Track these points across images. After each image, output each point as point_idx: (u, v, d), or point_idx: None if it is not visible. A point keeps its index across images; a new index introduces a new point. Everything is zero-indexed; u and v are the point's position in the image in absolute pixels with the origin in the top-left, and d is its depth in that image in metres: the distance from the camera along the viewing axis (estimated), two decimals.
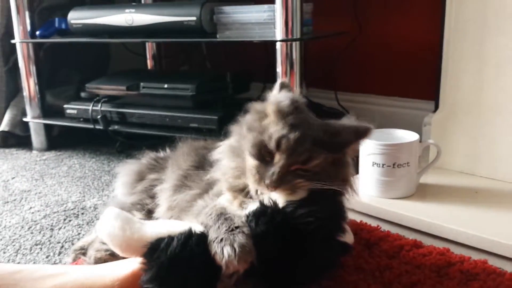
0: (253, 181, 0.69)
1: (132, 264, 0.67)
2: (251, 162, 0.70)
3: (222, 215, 0.65)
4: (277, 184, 0.66)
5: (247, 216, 0.65)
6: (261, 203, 0.66)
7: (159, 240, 0.64)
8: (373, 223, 0.99)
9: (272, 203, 0.66)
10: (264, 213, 0.65)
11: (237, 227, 0.63)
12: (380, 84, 1.63)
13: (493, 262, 0.83)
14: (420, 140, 1.08)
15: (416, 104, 1.54)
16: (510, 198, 1.04)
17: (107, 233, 0.69)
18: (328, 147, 0.68)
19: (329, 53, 1.67)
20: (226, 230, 0.62)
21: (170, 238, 0.64)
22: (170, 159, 1.00)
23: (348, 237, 0.77)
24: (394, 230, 0.96)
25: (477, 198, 1.04)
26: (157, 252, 0.63)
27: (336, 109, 1.60)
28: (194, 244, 0.63)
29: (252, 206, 0.67)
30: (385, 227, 0.97)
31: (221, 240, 0.61)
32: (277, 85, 0.76)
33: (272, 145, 0.67)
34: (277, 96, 0.73)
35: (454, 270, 0.78)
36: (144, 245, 0.65)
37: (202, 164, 0.89)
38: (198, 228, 0.66)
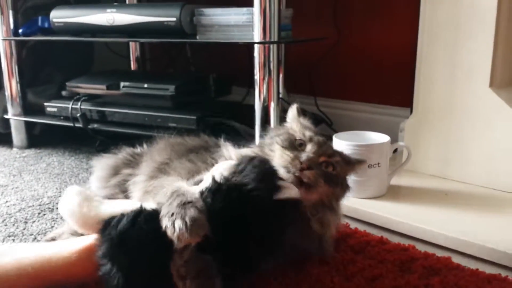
0: (285, 160, 0.76)
1: (89, 239, 0.69)
2: (281, 151, 0.78)
3: (175, 192, 0.67)
4: (310, 162, 0.75)
5: (202, 193, 0.67)
6: (214, 179, 0.68)
7: (111, 218, 0.67)
8: (343, 221, 1.00)
9: (224, 179, 0.68)
10: (219, 189, 0.67)
11: (189, 202, 0.65)
12: (359, 91, 1.65)
13: (457, 259, 0.85)
14: None
15: (394, 110, 1.56)
16: (478, 200, 1.06)
17: (66, 209, 0.74)
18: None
19: (309, 59, 1.70)
20: (177, 204, 0.64)
21: (121, 215, 0.66)
22: (145, 154, 1.02)
23: (290, 192, 0.74)
24: (362, 228, 0.97)
25: (446, 199, 1.07)
26: (108, 229, 0.65)
27: (316, 114, 1.62)
28: (143, 221, 0.65)
29: (205, 183, 0.69)
30: (354, 225, 0.99)
31: (172, 214, 0.63)
32: (294, 109, 0.90)
33: (306, 137, 0.80)
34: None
35: (416, 265, 0.80)
36: (99, 222, 0.68)
37: (176, 158, 0.91)
38: (150, 206, 0.68)
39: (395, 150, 1.16)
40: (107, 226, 0.66)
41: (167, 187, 0.70)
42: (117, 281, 0.63)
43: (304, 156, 0.75)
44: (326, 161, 0.78)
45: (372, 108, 1.62)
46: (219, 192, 0.67)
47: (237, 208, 0.66)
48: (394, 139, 1.15)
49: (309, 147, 0.78)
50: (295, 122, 0.88)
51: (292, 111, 0.91)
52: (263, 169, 0.71)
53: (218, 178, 0.69)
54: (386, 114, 1.59)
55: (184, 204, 0.63)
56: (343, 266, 0.79)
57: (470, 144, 1.13)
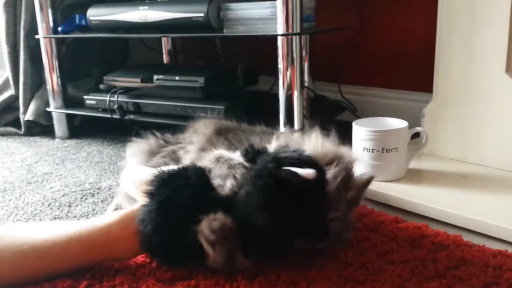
0: None
1: (123, 210, 0.80)
2: None
3: (221, 158, 0.76)
4: None
5: (246, 154, 0.77)
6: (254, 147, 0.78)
7: (156, 176, 0.78)
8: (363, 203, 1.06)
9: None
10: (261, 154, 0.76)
11: (237, 164, 0.73)
12: (382, 77, 1.69)
13: (468, 238, 0.89)
14: None
15: (418, 96, 1.60)
16: (494, 182, 1.10)
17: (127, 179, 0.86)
18: None
19: (334, 48, 1.74)
20: (228, 167, 0.72)
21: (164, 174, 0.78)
22: (186, 133, 1.11)
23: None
24: (379, 209, 1.03)
25: (463, 182, 1.11)
26: (152, 185, 0.77)
27: (340, 101, 1.68)
28: (184, 179, 0.76)
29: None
30: (371, 207, 1.05)
31: (224, 175, 0.72)
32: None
33: None
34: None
35: (426, 242, 0.86)
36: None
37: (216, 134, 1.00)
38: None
39: (418, 135, 1.20)
40: (160, 172, 0.77)
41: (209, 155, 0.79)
42: (152, 227, 0.73)
43: None
44: None
45: (396, 94, 1.66)
46: (260, 156, 0.75)
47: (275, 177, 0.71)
48: (418, 124, 1.20)
49: None
50: None
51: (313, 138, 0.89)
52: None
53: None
54: (410, 100, 1.62)
55: (233, 166, 0.72)
56: (357, 242, 0.85)
57: (487, 128, 1.17)
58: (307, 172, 0.68)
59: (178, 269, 0.77)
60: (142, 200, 0.78)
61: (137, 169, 0.89)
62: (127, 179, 0.87)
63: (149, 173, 0.80)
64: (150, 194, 0.75)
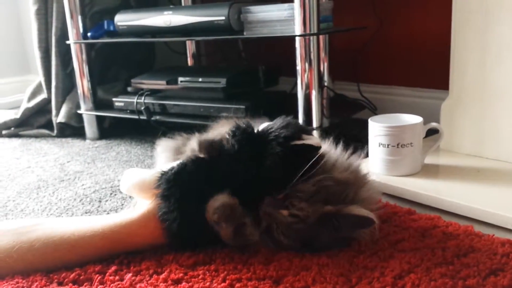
0: None
1: (144, 207, 0.87)
2: None
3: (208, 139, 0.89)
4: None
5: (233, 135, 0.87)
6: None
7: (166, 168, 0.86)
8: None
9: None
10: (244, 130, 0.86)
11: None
12: (401, 76, 1.72)
13: (479, 229, 0.92)
14: None
15: (436, 93, 1.62)
16: (509, 176, 1.11)
17: (126, 183, 0.92)
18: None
19: (353, 47, 1.78)
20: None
21: (174, 165, 0.86)
22: (209, 130, 1.17)
23: (310, 141, 0.87)
24: (393, 202, 1.07)
25: (477, 176, 1.13)
26: (164, 174, 0.85)
27: (359, 100, 1.71)
28: (192, 164, 0.84)
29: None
30: (386, 200, 1.08)
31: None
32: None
33: None
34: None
35: (437, 232, 0.89)
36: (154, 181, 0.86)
37: None
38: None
39: (436, 131, 1.22)
40: (163, 174, 0.84)
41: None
42: (176, 224, 0.81)
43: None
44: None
45: (414, 92, 1.69)
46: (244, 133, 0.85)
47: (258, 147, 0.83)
48: (437, 121, 1.23)
49: None
50: None
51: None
52: (289, 120, 0.87)
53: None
54: (428, 97, 1.65)
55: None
56: (369, 232, 0.89)
57: (502, 123, 1.19)
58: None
59: (200, 255, 0.83)
60: (150, 201, 0.87)
61: (134, 172, 0.95)
62: (126, 182, 0.94)
63: (149, 175, 0.88)
64: (163, 196, 0.83)
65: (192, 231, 0.83)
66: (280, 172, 0.82)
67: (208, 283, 0.76)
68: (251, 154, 0.83)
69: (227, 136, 0.86)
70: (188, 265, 0.81)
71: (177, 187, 0.82)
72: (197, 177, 0.83)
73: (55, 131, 1.94)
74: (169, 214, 0.82)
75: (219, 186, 0.81)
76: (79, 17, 1.78)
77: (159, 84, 1.69)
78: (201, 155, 0.85)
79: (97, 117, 1.87)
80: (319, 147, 0.86)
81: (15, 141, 1.91)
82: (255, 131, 0.87)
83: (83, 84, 1.85)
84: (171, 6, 1.63)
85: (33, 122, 2.02)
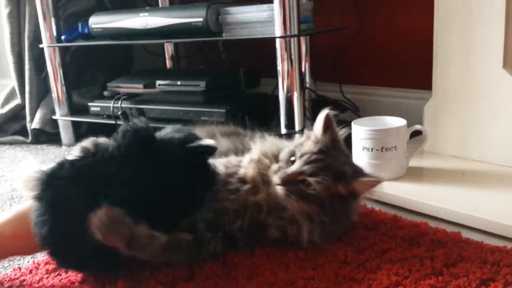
0: (273, 170, 0.87)
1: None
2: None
3: None
4: (282, 182, 0.83)
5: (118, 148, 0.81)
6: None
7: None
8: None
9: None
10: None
11: None
12: (384, 76, 1.70)
13: (467, 235, 0.90)
14: None
15: (420, 94, 1.60)
16: (494, 178, 1.10)
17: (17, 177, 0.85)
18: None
19: (334, 48, 1.75)
20: None
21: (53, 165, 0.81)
22: None
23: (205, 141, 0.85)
24: (378, 208, 1.04)
25: (463, 178, 1.11)
26: (41, 175, 0.79)
27: (341, 101, 1.68)
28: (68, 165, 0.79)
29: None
30: (371, 206, 1.05)
31: None
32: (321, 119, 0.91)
33: (298, 154, 0.85)
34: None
35: (425, 240, 0.86)
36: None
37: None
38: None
39: (420, 133, 1.20)
40: (40, 173, 0.78)
41: None
42: (47, 226, 0.74)
43: (280, 173, 0.84)
44: (303, 180, 0.82)
45: (397, 93, 1.67)
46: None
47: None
48: (421, 123, 1.21)
49: (294, 166, 0.84)
50: (312, 136, 0.90)
51: (319, 121, 0.91)
52: (180, 127, 0.86)
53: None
54: (411, 98, 1.63)
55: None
56: (356, 241, 0.86)
57: (487, 124, 1.17)
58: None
59: (178, 270, 0.79)
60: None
61: (27, 164, 0.87)
62: (17, 175, 0.87)
63: (33, 170, 0.81)
64: (36, 198, 0.77)
65: (69, 241, 0.76)
66: (180, 177, 0.79)
67: None
68: (141, 157, 0.78)
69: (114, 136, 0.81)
70: (166, 282, 0.77)
71: (49, 190, 0.76)
72: (74, 179, 0.76)
73: (30, 138, 1.88)
74: (40, 217, 0.75)
75: (105, 191, 0.75)
76: (53, 20, 1.73)
77: (137, 87, 1.65)
78: (79, 155, 0.80)
79: (73, 122, 1.81)
80: (216, 148, 0.84)
81: None
82: (152, 135, 0.83)
83: (57, 88, 1.79)
84: (147, 8, 1.59)
85: (7, 128, 1.96)
